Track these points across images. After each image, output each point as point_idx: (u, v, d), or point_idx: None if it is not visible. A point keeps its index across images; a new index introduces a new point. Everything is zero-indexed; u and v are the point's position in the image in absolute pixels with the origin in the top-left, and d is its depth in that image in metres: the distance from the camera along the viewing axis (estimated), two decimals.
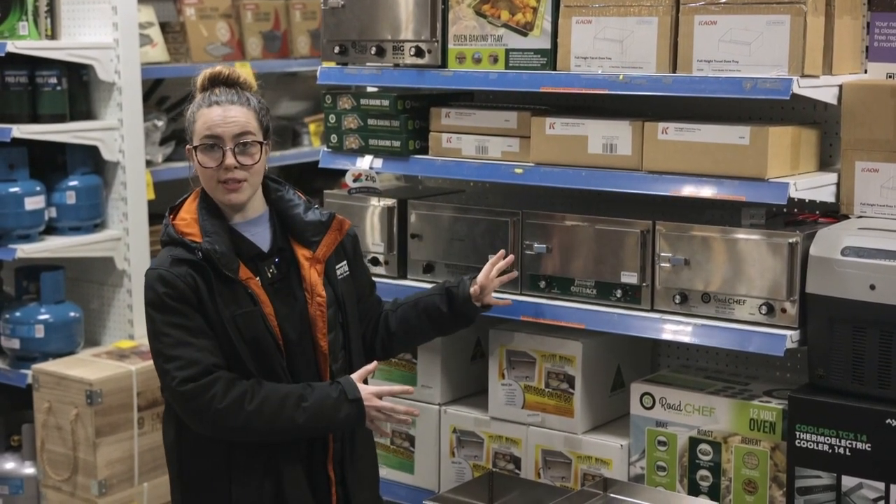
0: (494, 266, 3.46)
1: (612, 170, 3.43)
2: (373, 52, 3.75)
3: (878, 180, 3.30)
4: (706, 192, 3.26)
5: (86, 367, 4.81)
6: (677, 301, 3.35)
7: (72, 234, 5.09)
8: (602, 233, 3.47)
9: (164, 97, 5.91)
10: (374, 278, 3.70)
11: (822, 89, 3.26)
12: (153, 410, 4.80)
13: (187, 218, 3.07)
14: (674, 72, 3.31)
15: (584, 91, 3.42)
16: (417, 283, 3.78)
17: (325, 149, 3.98)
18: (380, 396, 3.08)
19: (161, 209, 3.18)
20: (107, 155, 5.12)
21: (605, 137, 3.43)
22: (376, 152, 3.85)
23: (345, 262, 3.25)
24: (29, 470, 4.96)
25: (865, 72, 3.45)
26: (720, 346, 3.30)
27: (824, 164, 3.48)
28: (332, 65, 3.92)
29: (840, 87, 3.32)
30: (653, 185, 3.35)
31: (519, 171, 3.57)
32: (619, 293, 3.44)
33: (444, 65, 3.68)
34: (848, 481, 3.13)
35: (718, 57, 3.23)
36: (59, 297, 5.08)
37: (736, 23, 3.20)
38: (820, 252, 3.15)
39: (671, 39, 3.31)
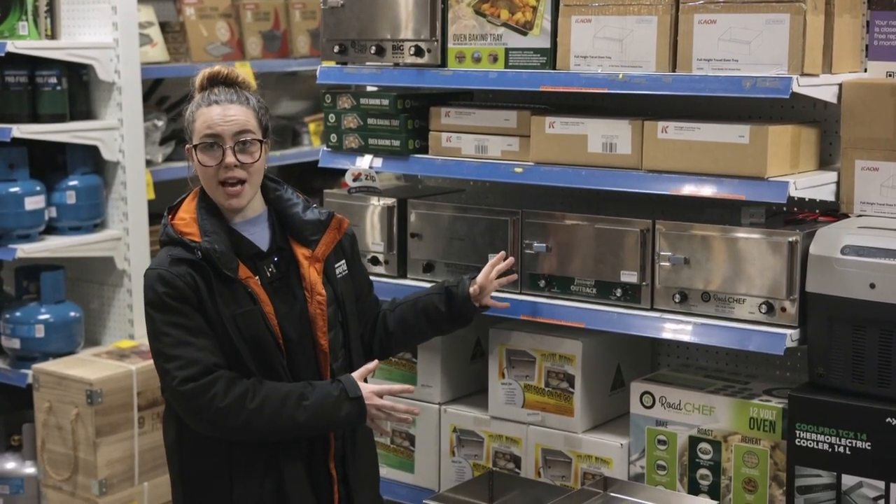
0: (494, 267, 3.46)
1: (611, 169, 3.43)
2: (372, 51, 3.75)
3: (877, 179, 3.30)
4: (706, 191, 3.26)
5: (86, 366, 4.81)
6: (677, 300, 3.35)
7: (72, 233, 5.09)
8: (602, 232, 3.47)
9: (164, 97, 5.91)
10: (374, 278, 3.70)
11: (821, 88, 3.26)
12: (153, 410, 4.80)
13: (186, 218, 3.07)
14: (673, 71, 3.31)
15: (583, 90, 3.42)
16: (417, 283, 3.78)
17: (325, 148, 3.98)
18: (380, 395, 3.08)
19: (161, 209, 3.18)
20: (107, 155, 5.12)
21: (605, 136, 3.43)
22: (376, 152, 3.85)
23: (343, 261, 3.25)
24: (29, 469, 4.96)
25: (865, 70, 3.45)
26: (720, 345, 3.30)
27: (824, 162, 3.48)
28: (332, 64, 3.92)
29: (840, 85, 3.32)
30: (652, 184, 3.35)
31: (519, 170, 3.57)
32: (618, 292, 3.44)
33: (443, 64, 3.68)
34: (848, 480, 3.13)
35: (718, 56, 3.23)
36: (59, 296, 5.08)
37: (735, 21, 3.20)
38: (820, 251, 3.15)
39: (671, 38, 3.31)
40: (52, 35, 5.08)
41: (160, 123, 5.58)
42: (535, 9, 3.50)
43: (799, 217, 3.44)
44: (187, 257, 3.00)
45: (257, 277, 3.07)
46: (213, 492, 3.08)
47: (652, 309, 3.41)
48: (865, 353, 3.10)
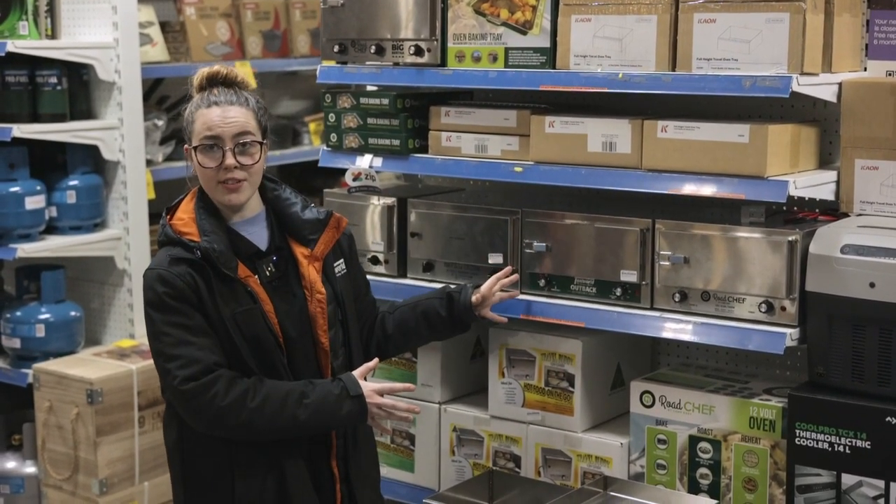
0: (499, 280, 3.47)
1: (611, 168, 3.43)
2: (372, 50, 3.75)
3: (877, 178, 3.29)
4: (706, 190, 3.26)
5: (86, 366, 4.82)
6: (677, 299, 3.35)
7: (72, 233, 5.10)
8: (602, 231, 3.47)
9: (164, 96, 5.92)
10: (374, 277, 3.71)
11: (821, 87, 3.25)
12: (154, 409, 4.80)
13: (185, 218, 3.07)
14: (673, 70, 3.31)
15: (583, 89, 3.42)
16: (417, 282, 3.78)
17: (325, 148, 3.98)
18: (381, 393, 3.08)
19: (161, 208, 3.18)
20: (107, 154, 5.12)
21: (605, 136, 3.43)
22: (376, 151, 3.85)
23: (342, 259, 3.26)
24: (30, 469, 4.96)
25: (865, 69, 3.45)
26: (720, 344, 3.30)
27: (824, 161, 3.48)
28: (332, 64, 3.92)
29: (839, 84, 3.32)
30: (652, 183, 3.35)
31: (518, 169, 3.57)
32: (618, 291, 3.44)
33: (443, 63, 3.68)
34: (848, 479, 3.13)
35: (718, 55, 3.23)
36: (59, 296, 5.08)
37: (735, 21, 3.20)
38: (819, 250, 3.15)
39: (670, 37, 3.31)
40: (53, 35, 5.08)
41: (160, 123, 5.58)
42: (534, 8, 3.50)
43: (799, 216, 3.44)
44: (187, 257, 3.00)
45: (256, 276, 3.07)
46: (215, 492, 3.08)
47: (652, 308, 3.41)
48: (865, 353, 3.10)
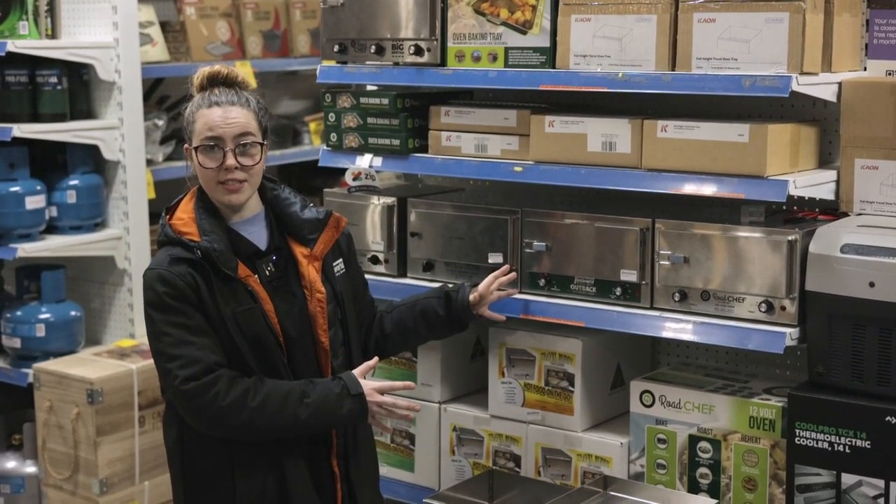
0: (497, 279, 3.47)
1: (611, 168, 3.43)
2: (372, 50, 3.75)
3: (877, 178, 3.29)
4: (705, 189, 3.26)
5: (87, 366, 4.82)
6: (677, 299, 3.35)
7: (72, 233, 5.10)
8: (601, 231, 3.47)
9: (164, 96, 5.92)
10: (374, 277, 3.71)
11: (821, 87, 3.25)
12: (154, 409, 4.80)
13: (184, 217, 3.07)
14: (673, 69, 3.31)
15: (583, 89, 3.42)
16: (417, 282, 3.78)
17: (325, 147, 3.98)
18: (381, 392, 3.09)
19: (161, 208, 3.18)
20: (107, 154, 5.12)
21: (605, 135, 3.43)
22: (376, 151, 3.85)
23: (340, 259, 3.26)
24: (30, 469, 4.96)
25: (865, 69, 3.45)
26: (720, 343, 3.30)
27: (824, 161, 3.48)
28: (332, 63, 3.92)
29: (839, 84, 3.32)
30: (652, 182, 3.35)
31: (518, 169, 3.58)
32: (618, 291, 3.44)
33: (443, 63, 3.68)
34: (847, 479, 3.13)
35: (717, 55, 3.23)
36: (59, 296, 5.09)
37: (735, 20, 3.20)
38: (819, 249, 3.15)
39: (670, 37, 3.31)
40: (53, 35, 5.08)
41: (160, 123, 5.58)
42: (534, 8, 3.50)
43: (798, 216, 3.44)
44: (187, 257, 3.00)
45: (256, 276, 3.07)
46: (216, 491, 3.08)
47: (652, 308, 3.41)
48: (865, 352, 3.10)
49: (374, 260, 3.86)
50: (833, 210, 3.40)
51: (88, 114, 5.16)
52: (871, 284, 3.06)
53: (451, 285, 3.51)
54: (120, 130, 5.13)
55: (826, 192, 3.35)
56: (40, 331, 4.99)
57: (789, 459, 3.22)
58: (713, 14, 3.23)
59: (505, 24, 3.55)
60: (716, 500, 3.33)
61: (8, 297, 5.26)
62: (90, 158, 5.13)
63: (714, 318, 3.29)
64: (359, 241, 3.76)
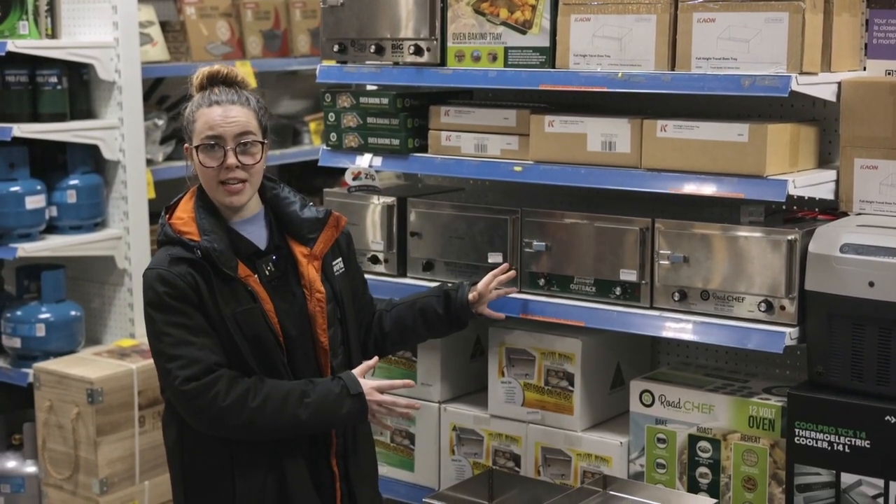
0: (496, 277, 3.47)
1: (611, 167, 3.43)
2: (372, 50, 3.75)
3: (876, 177, 3.30)
4: (705, 189, 3.26)
5: (87, 365, 4.82)
6: (676, 298, 3.35)
7: (72, 233, 5.10)
8: (601, 230, 3.47)
9: (164, 96, 5.92)
10: (374, 276, 3.71)
11: (820, 86, 3.26)
12: (154, 409, 4.80)
13: (184, 217, 3.07)
14: (672, 69, 3.31)
15: (582, 89, 3.42)
16: (417, 282, 3.79)
17: (325, 147, 3.98)
18: (381, 391, 3.09)
19: (161, 208, 3.18)
20: (107, 154, 5.12)
21: (604, 135, 3.43)
22: (376, 150, 3.85)
23: (340, 258, 3.26)
24: (30, 469, 4.97)
25: (864, 69, 3.45)
26: (719, 343, 3.31)
27: (823, 161, 3.48)
28: (332, 63, 3.92)
29: (839, 84, 3.32)
30: (652, 182, 3.35)
31: (518, 168, 3.58)
32: (618, 291, 3.44)
33: (443, 63, 3.68)
34: (847, 478, 3.13)
35: (717, 54, 3.23)
36: (59, 296, 5.09)
37: (734, 20, 3.20)
38: (819, 249, 3.15)
39: (670, 37, 3.31)
40: (53, 34, 5.09)
41: (160, 122, 5.58)
42: (534, 7, 3.50)
43: (798, 215, 3.44)
44: (187, 256, 3.00)
45: (256, 276, 3.07)
46: (215, 491, 3.08)
47: (651, 307, 3.41)
48: (864, 352, 3.10)
49: (374, 260, 3.87)
50: (832, 210, 3.40)
51: (88, 114, 5.16)
52: (871, 284, 3.06)
53: (450, 284, 3.51)
54: (120, 130, 5.13)
55: (825, 192, 3.35)
56: (40, 331, 5.00)
57: (789, 459, 3.22)
58: (713, 14, 3.24)
59: (505, 23, 3.55)
60: (715, 500, 3.33)
61: (8, 297, 5.26)
62: (90, 158, 5.13)
63: (714, 317, 3.29)
64: (358, 241, 3.76)
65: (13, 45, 4.81)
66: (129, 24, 5.14)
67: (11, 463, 5.00)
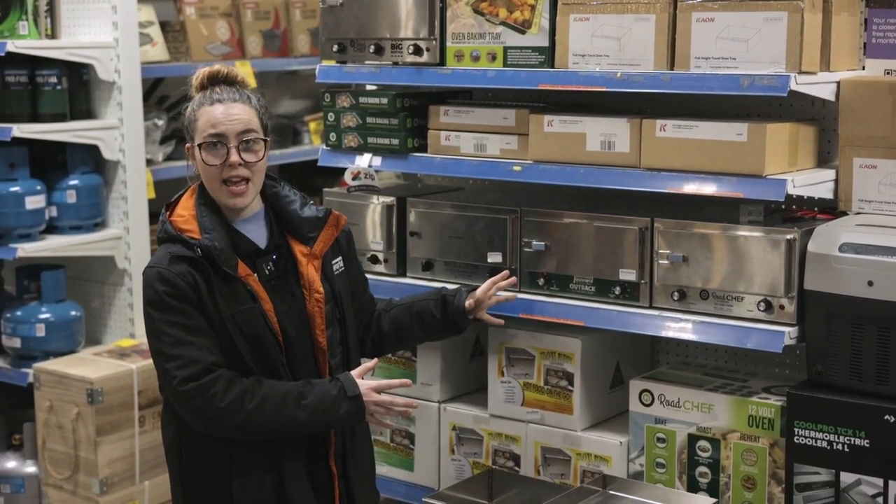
0: (495, 284, 3.47)
1: (610, 167, 3.43)
2: (371, 50, 3.76)
3: (876, 177, 3.30)
4: (704, 189, 3.26)
5: (87, 365, 4.82)
6: (676, 298, 3.35)
7: (72, 233, 5.10)
8: (600, 230, 3.47)
9: (164, 96, 5.92)
10: (374, 276, 3.71)
11: (819, 86, 3.26)
12: (154, 409, 4.80)
13: (185, 215, 3.07)
14: (671, 69, 3.31)
15: (582, 88, 3.43)
16: (417, 281, 3.79)
17: (325, 147, 3.98)
18: (378, 391, 3.09)
19: (161, 208, 3.18)
20: (107, 154, 5.13)
21: (604, 135, 3.43)
22: (375, 150, 3.85)
23: (340, 257, 3.26)
24: (30, 469, 4.97)
25: (863, 68, 3.45)
26: (719, 342, 3.31)
27: (822, 160, 3.48)
28: (331, 63, 3.92)
29: (838, 83, 3.32)
30: (651, 182, 3.35)
31: (517, 168, 3.58)
32: (617, 290, 3.44)
33: (442, 63, 3.68)
34: (846, 477, 3.13)
35: (716, 54, 3.23)
36: (59, 296, 5.09)
37: (733, 20, 3.20)
38: (818, 248, 3.15)
39: (669, 36, 3.31)
40: (53, 35, 5.09)
41: (160, 123, 5.58)
42: (533, 7, 3.50)
43: (797, 215, 3.44)
44: (187, 255, 3.00)
45: (256, 275, 3.07)
46: (214, 490, 3.08)
47: (651, 307, 3.41)
48: (863, 351, 3.10)
49: (374, 259, 3.87)
50: (832, 209, 3.40)
51: (88, 114, 5.16)
52: (870, 283, 3.06)
53: (449, 288, 3.50)
54: (120, 130, 5.14)
55: (825, 192, 3.35)
56: (40, 331, 5.00)
57: (788, 458, 3.22)
58: (712, 13, 3.24)
59: (504, 23, 3.56)
60: (715, 499, 3.33)
61: (8, 297, 5.26)
62: (90, 158, 5.13)
63: (713, 317, 3.30)
64: (358, 241, 3.76)
65: (13, 46, 4.81)
66: (128, 24, 5.14)
67: (11, 463, 5.00)
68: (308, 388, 3.02)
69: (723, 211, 3.48)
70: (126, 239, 5.19)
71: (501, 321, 3.53)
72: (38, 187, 4.95)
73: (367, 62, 3.82)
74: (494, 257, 3.64)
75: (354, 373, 3.10)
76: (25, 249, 4.88)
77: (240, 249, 3.08)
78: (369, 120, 3.85)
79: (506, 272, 3.54)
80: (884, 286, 3.04)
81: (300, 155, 6.36)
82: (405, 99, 3.82)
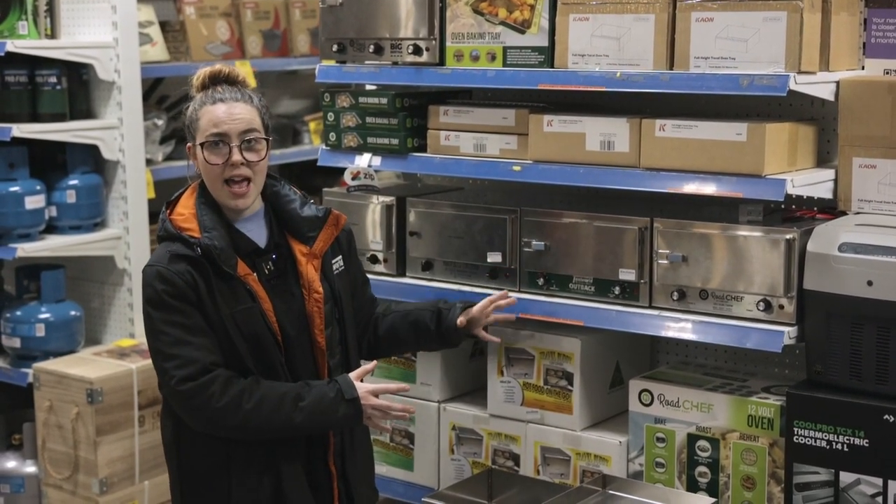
0: (493, 303, 3.47)
1: (609, 167, 3.43)
2: (371, 50, 3.76)
3: (875, 176, 3.30)
4: (704, 188, 3.26)
5: (86, 365, 4.82)
6: (675, 298, 3.35)
7: (72, 233, 5.10)
8: (600, 230, 3.47)
9: (163, 96, 5.92)
10: (374, 276, 3.71)
11: (819, 86, 3.26)
12: (154, 409, 4.80)
13: (185, 213, 3.07)
14: (671, 69, 3.31)
15: (581, 88, 3.43)
16: (416, 281, 3.79)
17: (324, 147, 3.98)
18: (376, 394, 3.08)
19: (161, 208, 3.18)
20: (107, 154, 5.13)
21: (603, 134, 3.43)
22: (375, 150, 3.86)
23: (340, 257, 3.26)
24: (30, 468, 4.97)
25: (863, 68, 3.45)
26: (718, 342, 3.31)
27: (822, 160, 3.48)
28: (331, 63, 3.92)
29: (837, 83, 3.32)
30: (650, 181, 3.35)
31: (517, 168, 3.58)
32: (617, 290, 3.44)
33: (441, 62, 3.68)
34: (846, 477, 3.13)
35: (715, 54, 3.23)
36: (59, 295, 5.09)
37: (733, 19, 3.21)
38: (817, 248, 3.16)
39: (668, 36, 3.31)
40: (52, 34, 5.09)
41: (160, 122, 5.58)
42: (532, 7, 3.51)
43: (797, 215, 3.44)
44: (186, 254, 3.00)
45: (255, 274, 3.07)
46: (212, 490, 3.08)
47: (650, 307, 3.41)
48: (863, 351, 3.10)
49: (374, 259, 3.87)
50: (831, 209, 3.40)
51: (88, 114, 5.16)
52: (869, 283, 3.06)
53: (446, 301, 3.50)
54: (119, 130, 5.14)
55: (824, 191, 3.35)
56: (40, 331, 5.00)
57: (788, 458, 3.22)
58: (711, 13, 3.24)
59: (503, 23, 3.56)
60: (714, 499, 3.33)
61: (8, 297, 5.26)
62: (90, 158, 5.13)
63: (712, 316, 3.30)
64: (358, 241, 3.75)
65: (13, 46, 4.81)
66: (128, 24, 5.14)
67: (11, 463, 5.00)
68: (306, 390, 3.02)
69: (722, 211, 3.48)
70: (126, 239, 5.19)
71: (497, 339, 3.53)
72: (38, 187, 4.96)
73: (366, 62, 3.82)
74: (494, 257, 3.64)
75: (353, 375, 3.09)
76: (25, 249, 4.88)
77: (239, 248, 3.08)
78: (369, 120, 3.86)
79: (504, 292, 3.53)
80: (883, 286, 3.04)
81: (300, 155, 6.36)
82: (405, 99, 3.82)
